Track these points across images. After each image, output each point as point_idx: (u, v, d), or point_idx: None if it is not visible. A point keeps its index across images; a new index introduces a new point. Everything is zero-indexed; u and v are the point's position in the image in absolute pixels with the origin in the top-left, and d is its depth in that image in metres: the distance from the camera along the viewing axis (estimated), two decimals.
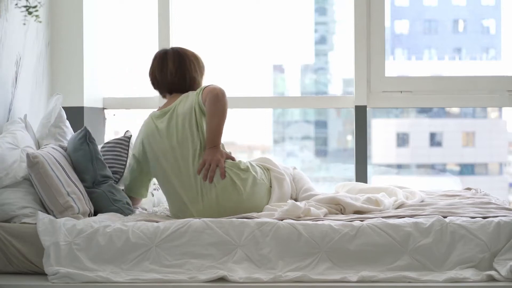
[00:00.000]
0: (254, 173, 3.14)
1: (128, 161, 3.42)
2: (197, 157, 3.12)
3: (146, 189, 3.37)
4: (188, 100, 3.19)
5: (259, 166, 3.21)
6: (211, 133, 3.10)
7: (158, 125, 3.19)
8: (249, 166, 3.15)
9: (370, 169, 4.29)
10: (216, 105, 3.09)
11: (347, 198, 3.12)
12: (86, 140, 3.21)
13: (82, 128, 3.25)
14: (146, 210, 3.44)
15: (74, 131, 3.54)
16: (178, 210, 3.15)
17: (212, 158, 3.08)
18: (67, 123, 3.58)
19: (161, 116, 3.22)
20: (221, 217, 3.02)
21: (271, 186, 3.20)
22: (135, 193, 3.34)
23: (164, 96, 3.34)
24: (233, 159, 3.15)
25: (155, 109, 3.31)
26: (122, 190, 3.33)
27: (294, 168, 3.47)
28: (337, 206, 3.10)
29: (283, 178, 3.24)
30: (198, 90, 3.20)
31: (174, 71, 3.26)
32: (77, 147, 3.21)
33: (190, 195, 3.11)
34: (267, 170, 3.24)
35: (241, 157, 3.31)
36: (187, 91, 3.26)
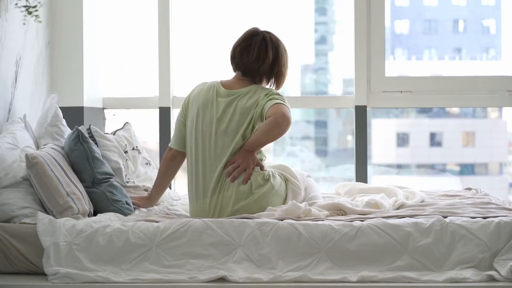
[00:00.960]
0: (273, 183, 3.14)
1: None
2: (233, 153, 3.12)
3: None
4: (254, 96, 3.14)
5: (280, 176, 3.22)
6: (255, 141, 3.09)
7: (217, 103, 3.16)
8: (271, 175, 3.15)
9: (370, 169, 4.29)
10: (274, 129, 3.05)
11: (349, 204, 3.12)
12: (79, 140, 3.20)
13: (74, 129, 3.24)
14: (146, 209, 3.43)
15: None
16: (191, 196, 3.17)
17: (243, 161, 3.09)
18: (64, 121, 3.58)
19: (225, 96, 3.18)
20: (230, 216, 3.03)
21: (286, 197, 3.21)
22: (179, 145, 3.27)
23: (234, 70, 3.25)
24: (262, 167, 3.13)
25: (220, 80, 3.23)
26: (122, 184, 3.34)
27: (308, 175, 3.47)
28: (338, 212, 3.10)
29: (299, 192, 3.24)
30: (269, 94, 3.13)
31: (271, 62, 3.19)
32: (72, 148, 3.21)
33: (207, 185, 3.12)
34: (286, 181, 3.24)
35: None
36: (262, 81, 3.22)
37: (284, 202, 3.19)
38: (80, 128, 3.24)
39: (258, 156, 3.16)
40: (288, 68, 3.27)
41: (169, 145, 3.32)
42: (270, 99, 3.11)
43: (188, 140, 3.21)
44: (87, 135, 3.27)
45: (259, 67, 3.19)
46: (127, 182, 3.43)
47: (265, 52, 3.18)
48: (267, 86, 3.26)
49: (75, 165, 3.20)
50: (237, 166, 3.09)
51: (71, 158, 3.21)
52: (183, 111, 3.26)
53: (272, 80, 3.25)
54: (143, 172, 3.63)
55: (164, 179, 3.35)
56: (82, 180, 3.17)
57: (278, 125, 3.04)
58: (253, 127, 3.12)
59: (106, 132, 3.75)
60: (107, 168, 3.26)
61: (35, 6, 3.02)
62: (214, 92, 3.19)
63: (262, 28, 3.26)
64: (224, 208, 3.09)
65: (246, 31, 3.24)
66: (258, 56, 3.18)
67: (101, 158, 3.26)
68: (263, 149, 3.26)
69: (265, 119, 3.07)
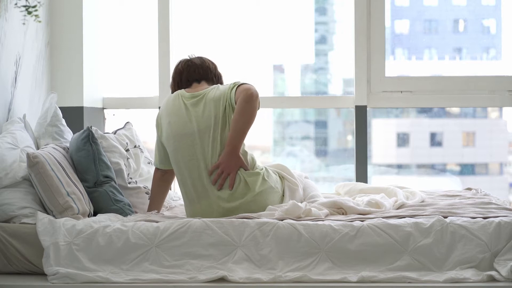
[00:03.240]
0: (269, 181, 3.14)
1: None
2: (215, 150, 3.10)
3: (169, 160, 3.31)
4: (218, 90, 3.18)
5: (275, 173, 3.21)
6: (234, 133, 3.07)
7: (185, 106, 3.18)
8: (265, 172, 3.15)
9: (370, 169, 4.29)
10: (247, 105, 3.07)
11: (350, 202, 3.12)
12: (89, 140, 3.21)
13: (85, 128, 3.24)
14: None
15: (74, 131, 3.54)
16: (186, 200, 3.16)
17: (226, 165, 3.07)
18: (64, 121, 3.58)
19: (190, 98, 3.20)
20: (228, 215, 3.03)
21: (283, 195, 3.20)
22: (164, 164, 3.30)
23: (188, 86, 3.32)
24: (246, 168, 3.11)
25: (183, 90, 3.28)
26: (124, 186, 3.33)
27: (306, 177, 3.47)
28: (339, 210, 3.10)
29: (296, 188, 3.24)
30: (231, 84, 3.18)
31: (206, 66, 3.33)
32: (80, 147, 3.20)
33: (198, 187, 3.11)
34: (281, 178, 3.24)
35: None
36: (214, 82, 3.30)
37: (282, 199, 3.18)
38: (91, 128, 3.24)
39: (248, 158, 3.15)
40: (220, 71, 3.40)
41: (155, 166, 3.35)
42: (233, 87, 3.16)
43: (167, 147, 3.21)
44: (97, 136, 3.27)
45: (210, 67, 3.31)
46: (129, 183, 3.41)
47: (198, 59, 3.34)
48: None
49: (79, 164, 3.19)
50: (220, 172, 3.07)
51: (75, 157, 3.20)
52: (157, 129, 3.28)
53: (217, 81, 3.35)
54: (146, 171, 3.63)
55: (158, 198, 3.36)
56: (84, 180, 3.17)
57: (249, 97, 3.07)
58: (228, 122, 3.12)
59: (106, 131, 3.74)
60: (112, 173, 3.25)
61: (35, 6, 3.02)
62: (180, 99, 3.21)
63: None
64: (221, 209, 3.08)
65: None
66: (203, 60, 3.34)
67: (107, 162, 3.25)
68: (252, 148, 3.25)
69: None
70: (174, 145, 3.16)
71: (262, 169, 3.15)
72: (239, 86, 3.14)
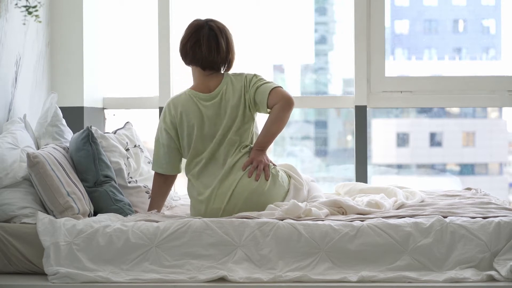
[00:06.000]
0: (276, 176, 3.17)
1: (156, 136, 3.30)
2: (232, 149, 3.15)
3: (179, 163, 3.29)
4: (235, 88, 3.20)
5: (282, 171, 3.25)
6: (266, 136, 3.16)
7: (206, 111, 3.18)
8: (273, 167, 3.20)
9: (370, 169, 4.29)
10: (285, 114, 3.15)
11: (350, 201, 3.13)
12: (89, 140, 3.21)
13: (85, 128, 3.24)
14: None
15: (74, 131, 3.54)
16: (198, 190, 3.18)
17: (261, 160, 3.14)
18: (64, 121, 3.58)
19: (208, 100, 3.20)
20: (238, 205, 3.08)
21: (288, 191, 3.22)
22: (171, 169, 3.26)
23: (187, 65, 3.27)
24: (273, 163, 3.22)
25: (188, 88, 3.24)
26: (124, 185, 3.34)
27: (312, 180, 3.49)
28: (339, 209, 3.10)
29: (301, 188, 3.26)
30: (253, 82, 3.20)
31: (225, 50, 3.22)
32: (80, 147, 3.20)
33: (211, 181, 3.14)
34: (288, 177, 3.25)
35: None
36: (220, 69, 3.24)
37: (286, 195, 3.19)
38: (91, 128, 3.24)
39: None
40: (235, 50, 3.30)
41: (158, 172, 3.27)
42: (258, 86, 3.18)
43: (187, 145, 3.19)
44: (96, 136, 3.27)
45: (216, 58, 3.21)
46: (129, 182, 3.41)
47: (217, 43, 3.21)
48: (222, 71, 3.28)
49: (79, 164, 3.19)
50: (256, 165, 3.13)
51: (75, 157, 3.20)
52: (169, 134, 3.22)
53: (226, 65, 3.28)
54: (146, 171, 3.63)
55: (159, 199, 3.32)
56: (84, 180, 3.17)
57: (289, 106, 3.14)
58: (250, 119, 3.18)
59: (106, 131, 3.74)
60: (111, 172, 3.26)
61: (35, 6, 3.03)
62: (193, 100, 3.20)
63: (203, 18, 3.27)
64: (226, 200, 3.10)
65: (190, 25, 3.25)
66: (211, 48, 3.20)
67: (107, 161, 3.25)
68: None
69: (267, 108, 3.15)
70: (197, 146, 3.17)
71: (270, 165, 3.20)
72: (274, 88, 3.14)
